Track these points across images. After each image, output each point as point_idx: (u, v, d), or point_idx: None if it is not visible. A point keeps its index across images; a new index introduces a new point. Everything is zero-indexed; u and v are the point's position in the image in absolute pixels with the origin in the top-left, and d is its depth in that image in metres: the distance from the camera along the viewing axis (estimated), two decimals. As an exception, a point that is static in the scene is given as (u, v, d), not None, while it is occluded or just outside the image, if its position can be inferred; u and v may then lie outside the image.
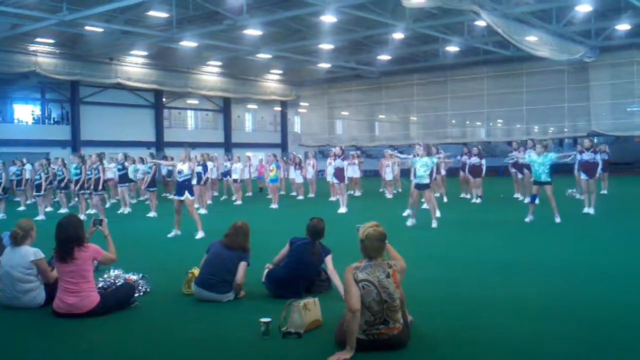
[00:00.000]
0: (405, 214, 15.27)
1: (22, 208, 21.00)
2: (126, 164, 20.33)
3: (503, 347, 5.22)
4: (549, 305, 6.55)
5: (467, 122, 44.88)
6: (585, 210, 15.73)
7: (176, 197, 12.90)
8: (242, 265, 7.00)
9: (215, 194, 24.99)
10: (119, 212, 18.94)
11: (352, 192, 24.09)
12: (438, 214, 14.85)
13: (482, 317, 6.11)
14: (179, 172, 12.96)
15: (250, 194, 26.39)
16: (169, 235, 12.73)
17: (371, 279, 5.02)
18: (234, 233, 7.14)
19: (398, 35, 31.68)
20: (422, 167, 13.72)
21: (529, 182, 17.98)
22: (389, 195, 23.70)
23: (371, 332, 5.04)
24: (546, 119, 39.96)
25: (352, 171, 23.82)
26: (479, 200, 19.76)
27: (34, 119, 42.18)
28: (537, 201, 14.04)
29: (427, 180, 13.85)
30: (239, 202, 22.07)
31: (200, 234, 12.44)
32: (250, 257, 7.13)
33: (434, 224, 13.57)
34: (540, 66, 36.83)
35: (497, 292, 7.13)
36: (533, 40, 28.80)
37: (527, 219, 13.97)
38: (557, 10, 27.69)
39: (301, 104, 51.86)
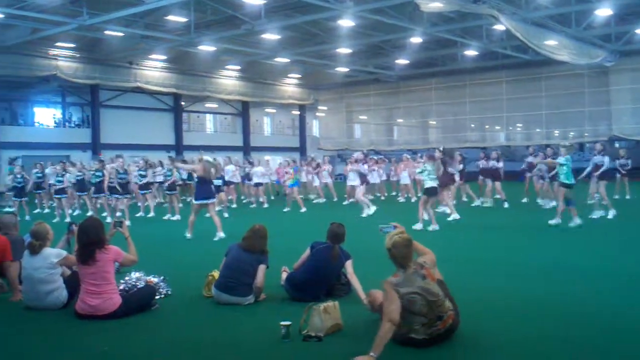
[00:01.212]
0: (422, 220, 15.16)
1: (46, 211, 21.23)
2: (148, 172, 20.29)
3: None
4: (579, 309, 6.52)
5: (487, 126, 44.67)
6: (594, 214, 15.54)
7: (196, 202, 12.95)
8: (261, 268, 7.01)
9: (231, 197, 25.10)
10: (137, 215, 19.06)
11: (372, 197, 24.08)
12: (457, 216, 15.03)
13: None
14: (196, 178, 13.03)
15: (272, 197, 26.46)
16: (188, 236, 12.85)
17: (413, 289, 5.12)
18: (252, 236, 7.16)
19: (416, 40, 31.59)
20: (428, 174, 14.07)
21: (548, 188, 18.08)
22: (401, 199, 23.78)
23: (431, 331, 5.16)
24: (566, 123, 39.61)
25: (372, 177, 24.02)
26: (506, 205, 19.45)
27: (55, 122, 42.61)
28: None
29: (435, 184, 14.04)
30: (265, 205, 22.05)
31: (219, 235, 12.51)
32: (269, 260, 7.15)
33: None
34: (560, 70, 36.50)
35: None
36: (552, 45, 28.60)
37: (572, 223, 13.55)
38: (576, 14, 27.45)
39: (319, 107, 51.89)
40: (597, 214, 15.50)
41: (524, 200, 21.17)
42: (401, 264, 5.25)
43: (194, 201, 13.11)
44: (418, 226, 13.90)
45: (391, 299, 5.05)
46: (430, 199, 14.21)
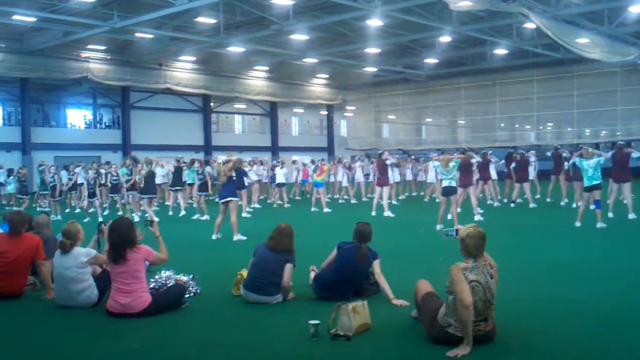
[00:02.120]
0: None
1: (77, 211, 21.55)
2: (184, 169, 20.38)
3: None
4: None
5: (516, 126, 44.27)
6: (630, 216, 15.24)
7: (221, 201, 12.99)
8: (288, 267, 7.02)
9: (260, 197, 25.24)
10: (169, 214, 19.23)
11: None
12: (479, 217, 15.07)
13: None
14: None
15: (298, 197, 26.52)
16: (213, 237, 12.92)
17: (479, 279, 5.19)
18: (278, 235, 7.17)
19: (445, 39, 31.43)
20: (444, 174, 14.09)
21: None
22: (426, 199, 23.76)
23: (473, 329, 5.14)
24: (598, 122, 39.09)
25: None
26: (533, 205, 19.30)
27: (86, 123, 43.15)
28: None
29: (453, 184, 13.99)
30: (286, 205, 22.13)
31: (236, 237, 12.55)
32: (297, 260, 7.16)
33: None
34: (592, 68, 36.02)
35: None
36: (584, 42, 28.21)
37: (599, 225, 13.39)
38: (608, 11, 27.03)
39: (347, 107, 51.87)
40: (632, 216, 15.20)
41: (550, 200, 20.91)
42: (472, 255, 5.30)
43: (218, 201, 13.14)
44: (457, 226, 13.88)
45: (461, 281, 5.11)
46: (448, 199, 14.19)
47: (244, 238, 12.47)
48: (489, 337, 5.31)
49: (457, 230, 5.65)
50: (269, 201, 24.33)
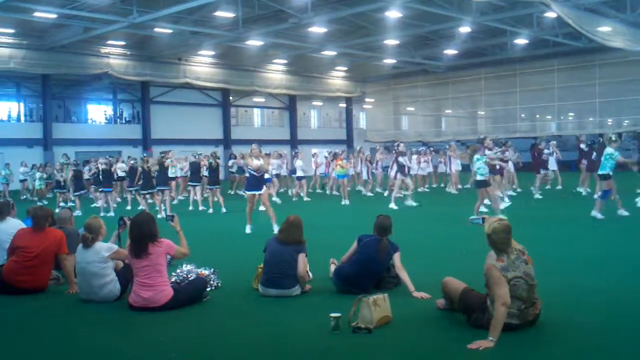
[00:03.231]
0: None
1: (93, 205, 21.70)
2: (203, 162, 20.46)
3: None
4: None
5: (537, 116, 43.86)
6: None
7: (248, 192, 12.98)
8: (301, 257, 7.02)
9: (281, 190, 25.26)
10: (189, 208, 19.33)
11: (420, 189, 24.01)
12: (502, 205, 14.80)
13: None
14: (250, 170, 12.98)
15: (319, 190, 26.47)
16: (247, 232, 12.84)
17: (518, 274, 5.29)
18: (288, 228, 7.20)
19: (465, 29, 31.18)
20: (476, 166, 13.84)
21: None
22: (453, 191, 23.57)
23: (524, 317, 5.33)
24: (620, 112, 38.58)
25: (421, 169, 24.23)
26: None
27: (106, 118, 43.52)
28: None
29: (483, 178, 13.76)
30: (305, 199, 22.11)
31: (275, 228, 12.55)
32: (317, 253, 7.15)
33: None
34: (614, 57, 35.51)
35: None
36: (606, 31, 27.87)
37: (599, 215, 13.41)
38: (631, -1, 26.75)
39: (366, 100, 51.69)
40: None
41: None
42: (501, 249, 5.36)
43: (246, 192, 13.14)
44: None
45: (500, 283, 5.18)
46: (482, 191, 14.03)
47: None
48: (536, 320, 5.44)
49: (483, 219, 5.67)
50: (289, 194, 24.34)
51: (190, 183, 20.51)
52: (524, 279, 5.27)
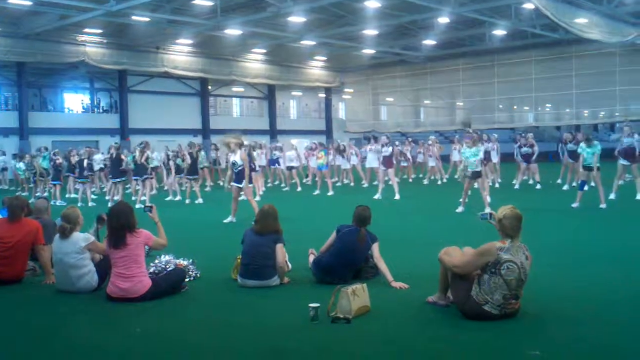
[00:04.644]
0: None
1: (72, 195, 21.47)
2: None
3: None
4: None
5: (515, 107, 44.23)
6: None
7: (234, 185, 12.93)
8: (279, 247, 7.00)
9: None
10: (167, 199, 19.22)
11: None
12: (489, 199, 14.79)
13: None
14: (233, 164, 12.89)
15: (305, 180, 26.36)
16: (224, 221, 12.86)
17: (515, 260, 5.43)
18: (263, 218, 7.16)
19: (443, 20, 31.29)
20: (471, 157, 13.75)
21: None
22: (426, 181, 23.83)
23: (505, 307, 5.45)
24: (597, 103, 39.00)
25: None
26: (538, 187, 19.49)
27: (83, 107, 43.09)
28: (586, 187, 13.93)
29: (478, 169, 13.83)
30: (298, 188, 21.91)
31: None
32: (296, 243, 7.15)
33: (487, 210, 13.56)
34: (591, 49, 35.94)
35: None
36: (583, 23, 28.11)
37: (574, 205, 13.76)
38: (608, -10, 27.01)
39: (345, 90, 51.75)
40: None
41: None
42: (509, 235, 5.50)
43: (233, 184, 13.08)
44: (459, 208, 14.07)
45: (477, 255, 5.52)
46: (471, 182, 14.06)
47: None
48: (515, 314, 5.56)
49: (490, 214, 5.76)
50: (281, 185, 24.12)
51: (188, 177, 20.07)
52: (519, 267, 5.40)
